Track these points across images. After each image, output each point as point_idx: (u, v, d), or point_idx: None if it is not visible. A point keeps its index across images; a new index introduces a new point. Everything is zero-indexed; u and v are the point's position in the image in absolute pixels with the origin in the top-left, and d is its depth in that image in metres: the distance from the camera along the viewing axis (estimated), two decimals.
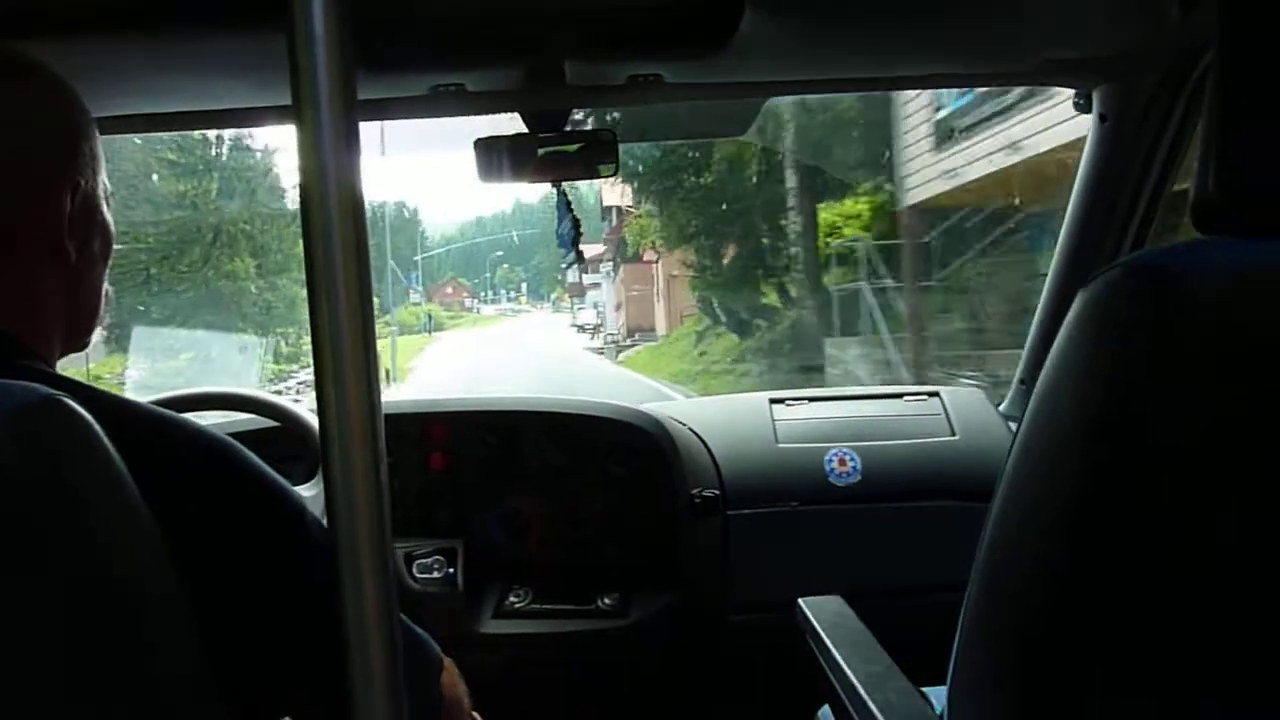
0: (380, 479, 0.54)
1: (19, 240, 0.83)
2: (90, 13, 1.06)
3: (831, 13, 1.29)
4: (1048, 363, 0.73)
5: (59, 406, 0.64)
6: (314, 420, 1.51)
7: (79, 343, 0.92)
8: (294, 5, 0.52)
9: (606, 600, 1.77)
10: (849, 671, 1.08)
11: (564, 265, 1.69)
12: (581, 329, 30.89)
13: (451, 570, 1.75)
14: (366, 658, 0.55)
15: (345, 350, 0.53)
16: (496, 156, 1.54)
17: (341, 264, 0.52)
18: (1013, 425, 1.93)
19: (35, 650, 0.61)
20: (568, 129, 1.57)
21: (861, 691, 1.03)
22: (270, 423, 1.64)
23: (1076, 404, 0.70)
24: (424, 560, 1.75)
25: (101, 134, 0.90)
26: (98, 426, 0.66)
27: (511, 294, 48.74)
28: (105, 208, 0.91)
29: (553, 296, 45.31)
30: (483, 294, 48.42)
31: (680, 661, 1.80)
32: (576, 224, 1.66)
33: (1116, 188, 1.67)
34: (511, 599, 1.79)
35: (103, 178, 0.90)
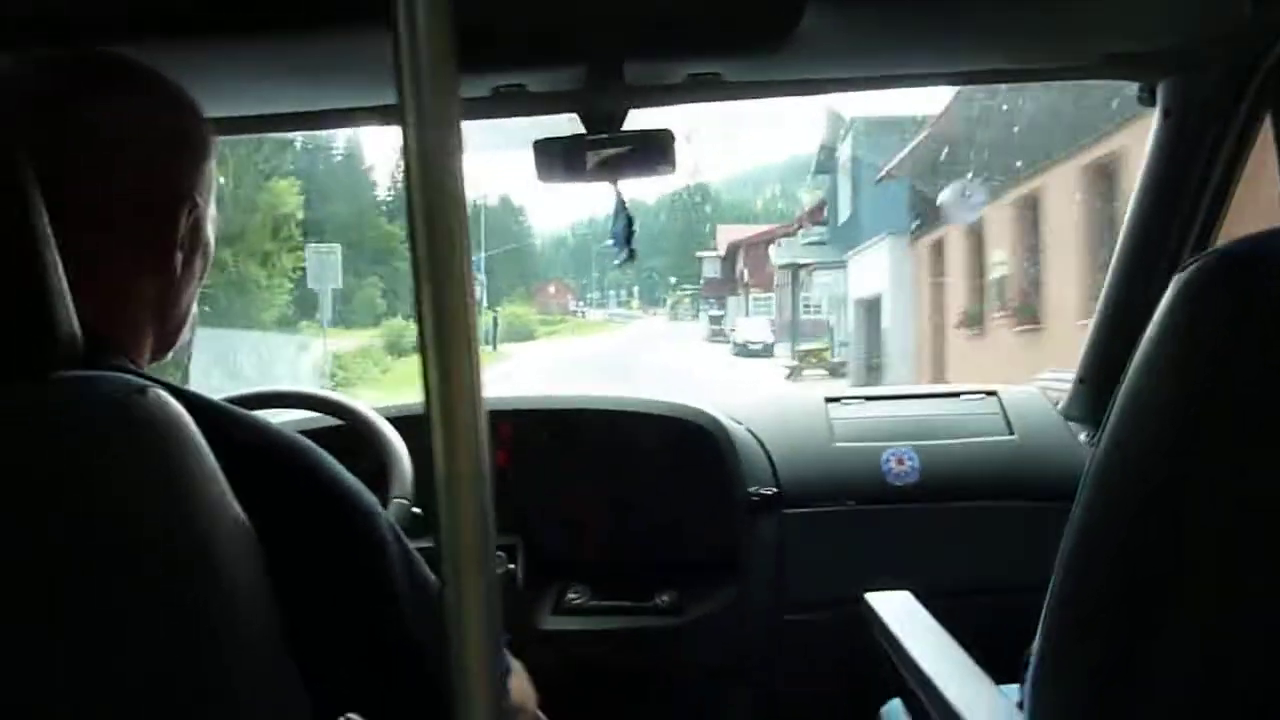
0: (483, 475, 0.55)
1: (131, 253, 0.86)
2: (194, 15, 1.09)
3: (894, 8, 1.29)
4: (1139, 353, 0.73)
5: (155, 397, 0.66)
6: (376, 418, 1.53)
7: (163, 354, 0.94)
8: (398, 4, 0.53)
9: (664, 598, 1.78)
10: (924, 666, 1.07)
11: (615, 263, 1.70)
12: (745, 348, 23.95)
13: (512, 566, 1.77)
14: (465, 654, 0.56)
15: (449, 348, 0.54)
16: (554, 157, 1.55)
17: (446, 262, 0.53)
18: (1073, 425, 1.91)
19: (133, 634, 0.62)
20: (625, 128, 1.58)
21: (939, 685, 1.02)
22: (330, 420, 1.66)
23: (1173, 393, 0.70)
24: None
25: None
26: (189, 417, 0.68)
27: (622, 296, 45.63)
28: (210, 228, 0.93)
29: (669, 302, 42.16)
30: (589, 296, 45.19)
31: (738, 659, 1.80)
32: (630, 222, 1.66)
33: (1181, 184, 1.64)
34: (570, 595, 1.80)
35: (213, 199, 0.93)
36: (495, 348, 21.87)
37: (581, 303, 43.13)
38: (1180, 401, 0.69)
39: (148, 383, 0.67)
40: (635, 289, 45.46)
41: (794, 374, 18.83)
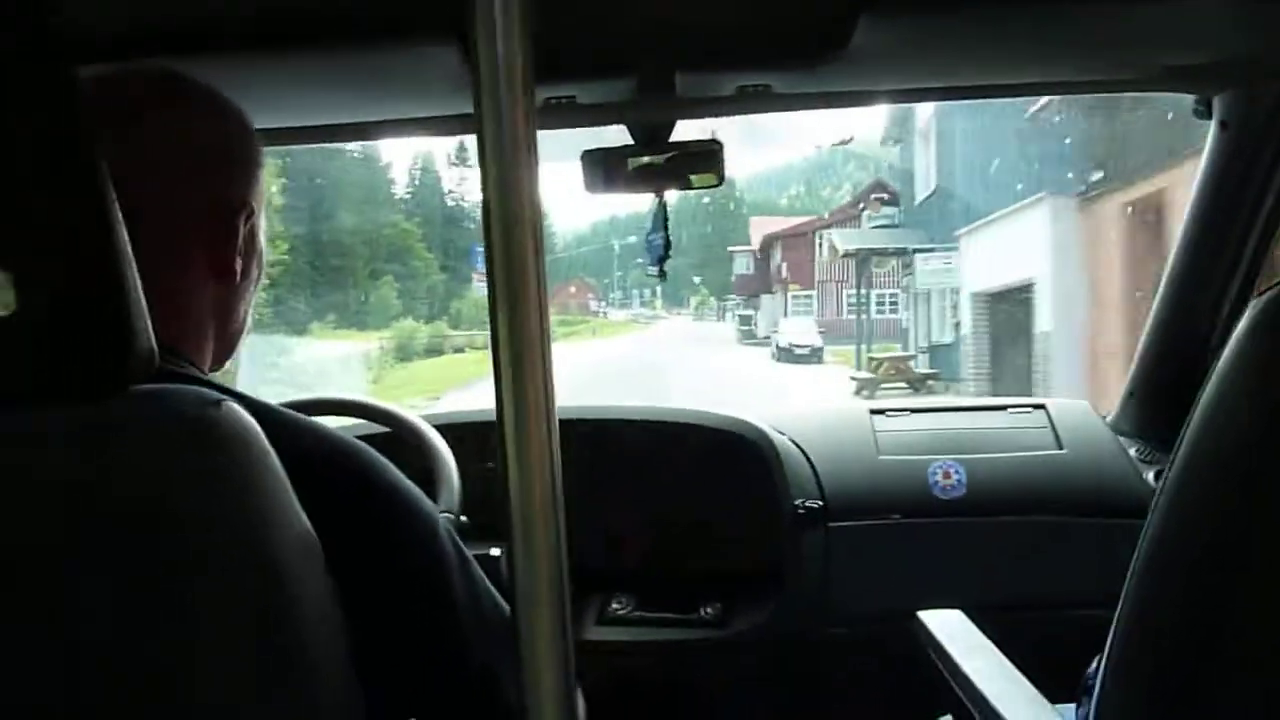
0: (556, 485, 0.55)
1: (195, 261, 0.88)
2: (260, 30, 1.10)
3: (947, 20, 1.28)
4: (1213, 382, 0.71)
5: (227, 409, 0.66)
6: (425, 426, 1.54)
7: (222, 362, 0.96)
8: (476, 17, 0.54)
9: (709, 610, 1.77)
10: (979, 686, 1.06)
11: (650, 274, 1.70)
12: (790, 353, 20.15)
13: None
14: (538, 665, 0.56)
15: (524, 358, 0.54)
16: (601, 168, 1.56)
17: (522, 270, 0.54)
18: (1121, 439, 1.88)
19: (205, 646, 0.63)
20: (673, 139, 1.58)
21: (995, 706, 1.01)
22: (379, 428, 1.67)
23: (1254, 416, 0.69)
24: None
25: (277, 145, 0.95)
26: (260, 430, 0.69)
27: (645, 295, 44.10)
28: (263, 236, 0.95)
29: (694, 302, 40.89)
30: (611, 296, 43.91)
31: (783, 672, 1.79)
32: (668, 242, 1.66)
33: (1237, 197, 1.62)
34: (614, 606, 1.80)
35: (263, 207, 0.95)
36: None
37: (603, 303, 41.94)
38: (1257, 430, 0.68)
39: (222, 396, 0.68)
40: (658, 289, 43.86)
41: (867, 389, 14.53)
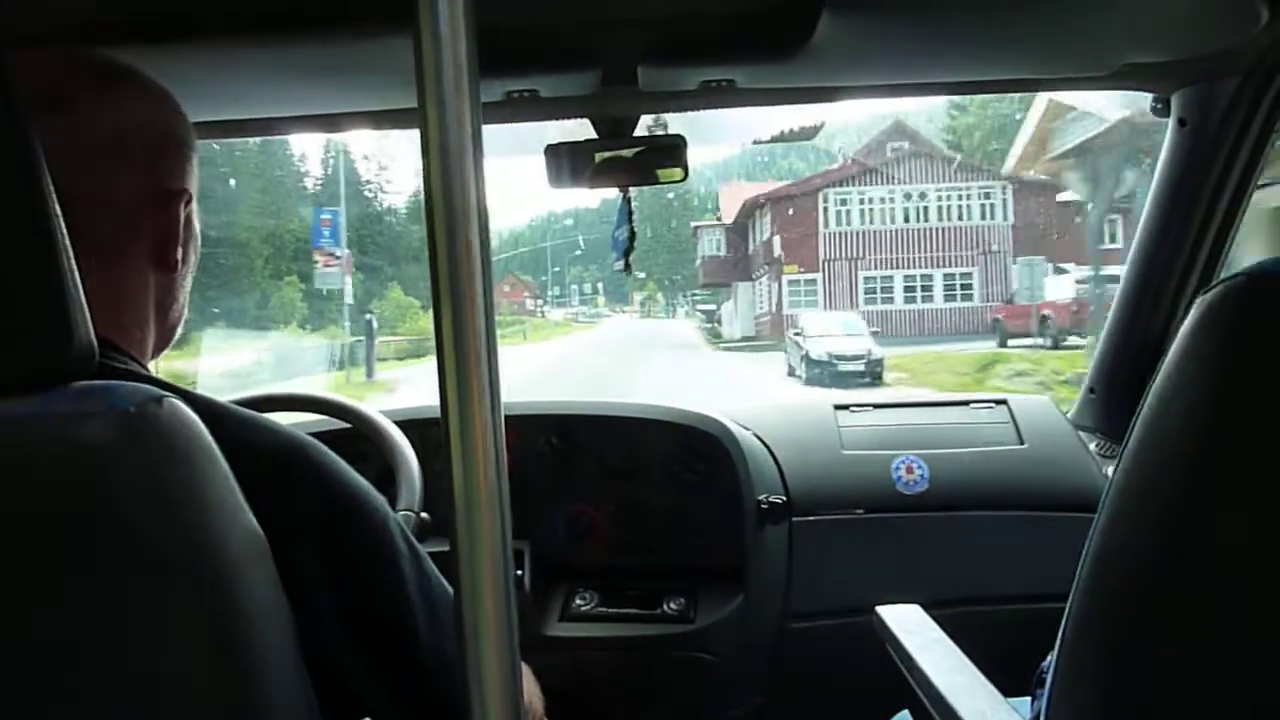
0: (501, 481, 0.54)
1: (132, 250, 0.86)
2: (208, 19, 1.09)
3: (909, 16, 1.28)
4: (1161, 372, 0.72)
5: (169, 406, 0.65)
6: (384, 422, 1.53)
7: (162, 350, 0.95)
8: (419, 9, 0.53)
9: (672, 605, 1.77)
10: (934, 680, 1.07)
11: (617, 269, 1.70)
12: (830, 369, 13.06)
13: (520, 572, 1.76)
14: (482, 657, 0.56)
15: (469, 351, 0.53)
16: (565, 162, 1.55)
17: (465, 266, 0.53)
18: (1082, 434, 1.90)
19: (147, 648, 0.62)
20: (637, 134, 1.58)
21: (949, 700, 1.02)
22: (338, 424, 1.66)
23: (1197, 413, 0.69)
24: None
25: (211, 139, 0.93)
26: (203, 426, 0.68)
27: (587, 292, 41.78)
28: (197, 220, 0.94)
29: (641, 298, 38.14)
30: (550, 294, 41.05)
31: (746, 667, 1.79)
32: (633, 235, 1.66)
33: (1195, 194, 1.64)
34: (578, 602, 1.80)
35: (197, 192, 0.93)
36: (370, 374, 14.24)
37: (541, 301, 39.03)
38: (1202, 426, 0.69)
39: (163, 392, 0.66)
40: (600, 285, 41.61)
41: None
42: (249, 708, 0.66)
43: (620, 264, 1.67)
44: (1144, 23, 1.36)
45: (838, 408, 2.01)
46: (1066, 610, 0.78)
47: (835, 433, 1.92)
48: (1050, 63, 1.52)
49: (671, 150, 1.54)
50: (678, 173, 1.56)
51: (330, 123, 1.58)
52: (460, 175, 0.53)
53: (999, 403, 2.00)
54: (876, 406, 2.02)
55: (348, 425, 1.64)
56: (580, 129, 1.58)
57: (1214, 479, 0.67)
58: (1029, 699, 1.11)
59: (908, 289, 17.44)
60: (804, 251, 20.47)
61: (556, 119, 1.58)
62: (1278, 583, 0.65)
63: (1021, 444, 1.88)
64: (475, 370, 0.54)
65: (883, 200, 20.01)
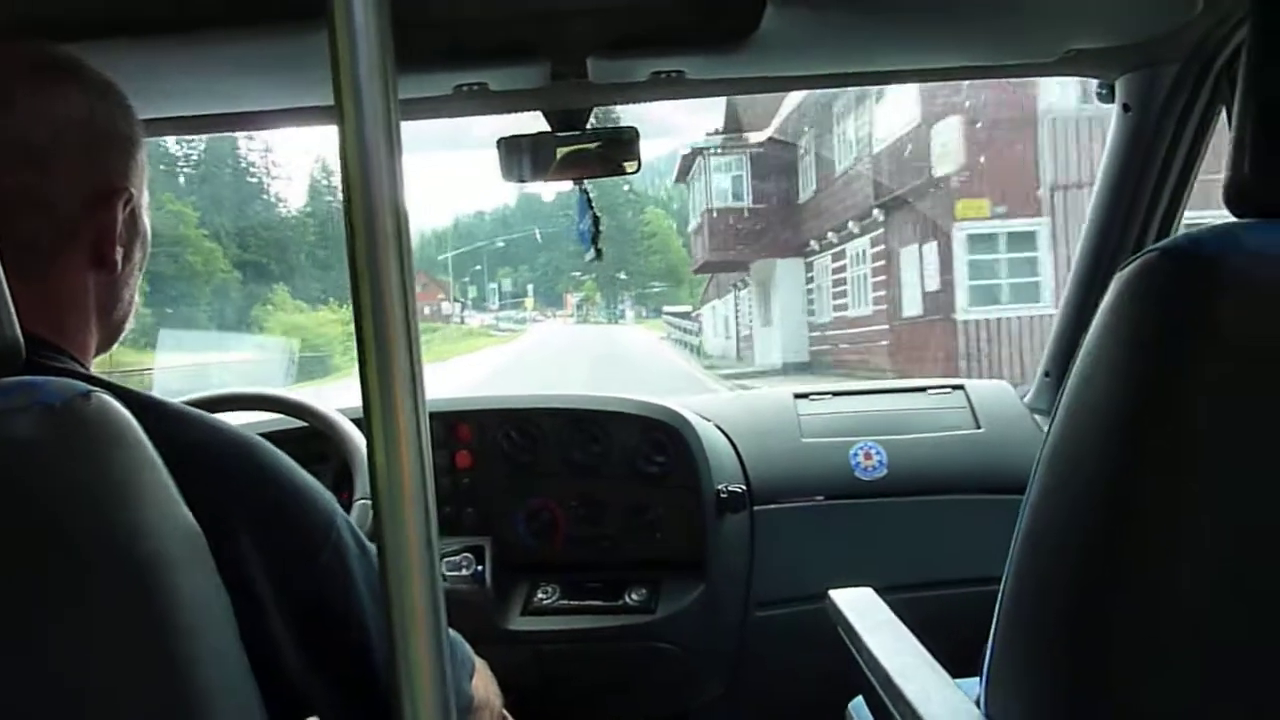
0: (426, 479, 0.55)
1: (68, 250, 0.85)
2: (127, 15, 1.07)
3: (853, 6, 1.29)
4: (1083, 349, 0.73)
5: (97, 401, 0.65)
6: (341, 420, 1.52)
7: (107, 348, 0.94)
8: (334, 4, 0.53)
9: (634, 596, 1.78)
10: (883, 662, 1.08)
11: (588, 260, 1.71)
12: None
13: (480, 568, 1.76)
14: (411, 658, 0.56)
15: (389, 348, 0.53)
16: (518, 155, 1.55)
17: (384, 262, 0.53)
18: (1038, 418, 1.92)
19: (75, 642, 0.62)
20: (590, 126, 1.58)
21: (896, 682, 1.03)
22: (296, 423, 1.65)
23: (1116, 387, 0.70)
24: (452, 558, 1.76)
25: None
26: (134, 421, 0.67)
27: (515, 295, 38.05)
28: (146, 217, 0.92)
29: (578, 299, 35.56)
30: (469, 296, 36.44)
31: (709, 655, 1.80)
32: (596, 221, 1.67)
33: (1141, 177, 1.66)
34: (539, 596, 1.80)
35: (146, 188, 0.92)
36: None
37: (460, 304, 34.73)
38: (1119, 402, 0.70)
39: (91, 386, 0.66)
40: (530, 286, 37.88)
41: None
42: (185, 701, 0.65)
43: (591, 253, 1.67)
44: (1088, 9, 1.38)
45: (797, 396, 2.02)
46: (1000, 589, 0.80)
47: (795, 421, 1.94)
48: (998, 50, 1.53)
49: (627, 143, 1.55)
50: (633, 164, 1.56)
51: (258, 120, 1.58)
52: (377, 172, 0.53)
53: (956, 388, 2.02)
54: (835, 394, 2.03)
55: (305, 424, 1.63)
56: (521, 123, 1.58)
57: (1133, 450, 0.69)
58: (978, 679, 1.12)
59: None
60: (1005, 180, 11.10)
61: (507, 112, 1.58)
62: (1200, 550, 0.67)
63: (979, 428, 1.90)
64: (398, 368, 0.54)
65: None
